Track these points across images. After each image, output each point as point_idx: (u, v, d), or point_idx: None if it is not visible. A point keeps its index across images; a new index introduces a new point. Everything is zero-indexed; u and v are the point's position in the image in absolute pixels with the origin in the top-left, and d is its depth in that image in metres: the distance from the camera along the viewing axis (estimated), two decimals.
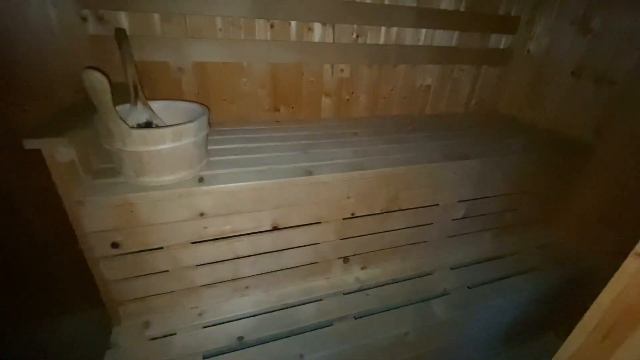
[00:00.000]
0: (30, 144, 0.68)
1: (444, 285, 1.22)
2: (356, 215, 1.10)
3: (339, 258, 1.17)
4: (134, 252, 0.91)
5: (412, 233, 1.25)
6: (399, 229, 1.21)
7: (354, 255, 1.19)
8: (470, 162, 1.17)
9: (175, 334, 0.98)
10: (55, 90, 1.10)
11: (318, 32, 1.32)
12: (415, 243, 1.28)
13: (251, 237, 1.00)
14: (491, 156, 1.21)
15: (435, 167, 1.13)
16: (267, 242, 1.03)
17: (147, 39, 1.11)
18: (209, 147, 1.06)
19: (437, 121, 1.58)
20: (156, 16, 1.10)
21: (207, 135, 0.94)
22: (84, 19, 1.04)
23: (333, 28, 1.33)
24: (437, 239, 1.31)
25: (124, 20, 1.08)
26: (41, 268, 1.35)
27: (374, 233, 1.17)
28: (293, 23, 1.27)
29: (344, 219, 1.10)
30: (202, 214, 0.91)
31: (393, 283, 1.22)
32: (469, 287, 1.23)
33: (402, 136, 1.34)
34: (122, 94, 0.88)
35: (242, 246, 1.01)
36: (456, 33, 1.52)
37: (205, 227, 0.94)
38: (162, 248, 0.93)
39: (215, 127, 1.23)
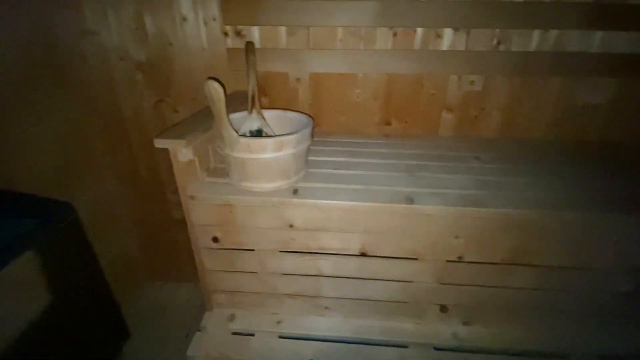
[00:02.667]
0: (158, 143, 0.80)
1: None
2: (465, 259, 0.90)
3: (435, 304, 0.99)
4: (229, 249, 0.97)
5: (544, 297, 0.95)
6: (524, 289, 0.94)
7: (456, 305, 0.99)
8: None
9: (253, 335, 1.01)
10: (197, 96, 1.29)
11: (448, 38, 1.15)
12: (546, 311, 0.97)
13: (336, 258, 0.94)
14: None
15: (593, 218, 0.82)
16: (352, 266, 0.95)
17: (272, 51, 1.19)
18: (311, 157, 1.05)
19: (601, 153, 1.17)
20: (283, 29, 1.16)
21: (309, 147, 0.92)
22: (226, 34, 1.18)
23: (467, 33, 1.14)
24: (583, 314, 0.97)
25: (256, 34, 1.18)
26: (172, 241, 1.63)
27: (487, 286, 0.94)
28: (419, 30, 1.14)
29: (448, 261, 0.91)
30: (291, 226, 0.90)
31: (506, 355, 0.95)
32: None
33: (544, 168, 1.04)
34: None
35: (326, 265, 0.95)
36: None
37: (292, 239, 0.92)
38: (253, 250, 0.96)
39: (322, 137, 1.22)
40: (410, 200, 0.85)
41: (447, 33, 1.14)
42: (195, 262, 1.00)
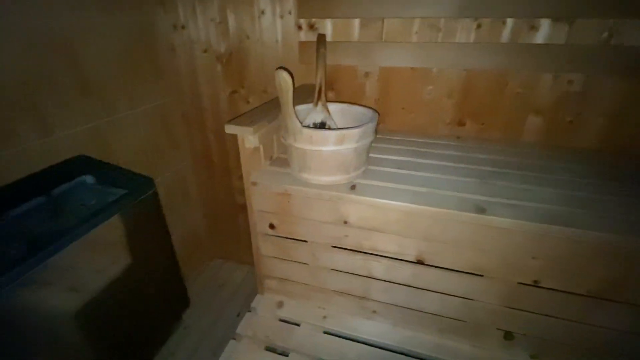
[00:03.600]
0: (229, 129, 0.84)
1: None
2: (541, 285, 0.79)
3: (497, 329, 0.88)
4: (284, 237, 0.99)
5: (635, 342, 0.78)
6: (611, 329, 0.78)
7: (524, 335, 0.87)
8: None
9: (299, 325, 1.02)
10: (267, 88, 1.34)
11: (544, 30, 1.00)
12: (635, 358, 0.80)
13: (390, 262, 0.89)
14: None
15: None
16: (406, 273, 0.89)
17: (343, 44, 1.17)
18: (373, 155, 1.01)
19: None
20: (356, 22, 1.14)
21: (371, 142, 0.89)
22: (299, 27, 1.20)
23: (570, 24, 0.98)
24: None
25: (328, 27, 1.17)
26: (234, 224, 1.73)
27: (565, 319, 0.81)
28: (509, 21, 1.02)
29: (520, 283, 0.80)
30: (345, 222, 0.88)
31: None
32: None
33: None
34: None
35: (378, 267, 0.91)
36: None
37: (346, 236, 0.90)
38: (306, 241, 0.97)
39: (386, 135, 1.17)
40: (481, 209, 0.76)
41: (544, 24, 0.99)
42: (252, 247, 1.05)
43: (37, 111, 0.98)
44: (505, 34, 1.03)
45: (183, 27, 1.34)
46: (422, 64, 1.13)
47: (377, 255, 0.90)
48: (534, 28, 1.01)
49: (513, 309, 0.84)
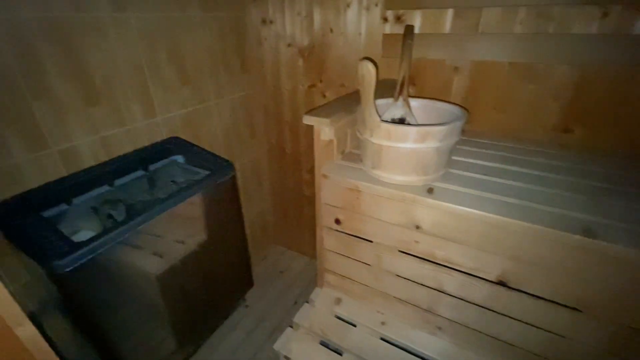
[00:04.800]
0: (306, 119, 0.84)
1: None
2: None
3: None
4: (349, 234, 0.96)
5: None
6: None
7: None
8: None
9: (355, 326, 0.99)
10: (344, 82, 1.33)
11: None
12: None
13: (465, 278, 0.80)
14: None
15: None
16: (483, 293, 0.79)
17: (432, 36, 1.09)
18: (455, 157, 0.92)
19: None
20: (450, 12, 1.05)
21: (455, 143, 0.80)
22: (385, 19, 1.15)
23: None
24: None
25: (417, 18, 1.10)
26: (299, 215, 1.77)
27: None
28: None
29: (633, 328, 0.65)
30: (418, 227, 0.82)
31: None
32: None
33: None
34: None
35: (450, 282, 0.83)
36: None
37: (416, 242, 0.84)
38: (371, 242, 0.93)
39: (473, 137, 1.06)
40: (589, 232, 0.63)
41: None
42: (316, 239, 1.05)
43: (147, 96, 1.12)
44: (639, 25, 0.84)
45: (271, 22, 1.40)
46: (525, 58, 0.99)
47: (450, 268, 0.81)
48: None
49: (619, 357, 0.68)
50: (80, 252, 0.70)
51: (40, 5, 0.84)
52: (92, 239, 0.74)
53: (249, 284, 1.46)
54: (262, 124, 1.65)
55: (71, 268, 0.69)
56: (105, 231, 0.76)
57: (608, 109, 0.95)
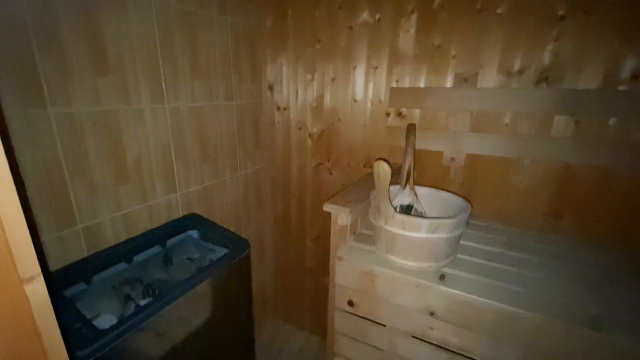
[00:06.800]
0: (327, 207, 0.92)
1: None
2: None
3: None
4: (362, 317, 0.98)
5: None
6: None
7: None
8: None
9: None
10: (350, 163, 1.45)
11: None
12: None
13: None
14: None
15: None
16: None
17: (431, 131, 1.24)
18: (460, 241, 1.00)
19: None
20: (444, 112, 1.22)
21: (462, 233, 0.88)
22: (388, 114, 1.32)
23: None
24: None
25: (416, 115, 1.27)
26: (299, 286, 1.75)
27: None
28: (613, 120, 0.99)
29: None
30: (432, 313, 0.85)
31: None
32: None
33: None
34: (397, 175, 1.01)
35: None
36: None
37: (430, 328, 0.86)
38: (384, 326, 0.94)
39: (471, 220, 1.15)
40: (595, 326, 0.68)
41: None
42: (327, 320, 1.05)
43: (171, 173, 1.20)
44: (609, 132, 1.00)
45: (285, 109, 1.57)
46: (513, 154, 1.13)
47: (466, 357, 0.83)
48: None
49: None
50: (102, 341, 0.70)
51: (92, 100, 0.95)
52: (114, 326, 0.74)
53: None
54: (269, 194, 1.74)
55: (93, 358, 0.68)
56: (126, 318, 0.77)
57: (592, 199, 1.06)
